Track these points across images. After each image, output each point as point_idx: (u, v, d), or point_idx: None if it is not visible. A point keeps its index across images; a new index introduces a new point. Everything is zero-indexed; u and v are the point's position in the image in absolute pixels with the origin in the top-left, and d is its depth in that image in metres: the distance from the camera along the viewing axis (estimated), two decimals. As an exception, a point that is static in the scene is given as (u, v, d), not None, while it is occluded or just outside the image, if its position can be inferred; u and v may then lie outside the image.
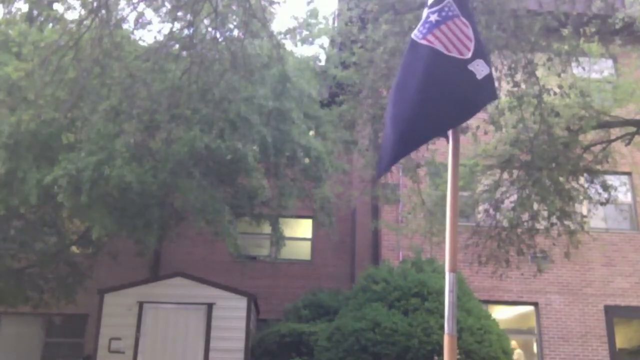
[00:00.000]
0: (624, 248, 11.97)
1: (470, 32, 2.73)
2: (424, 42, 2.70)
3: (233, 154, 8.33)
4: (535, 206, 8.09)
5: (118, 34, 6.98)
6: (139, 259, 11.38)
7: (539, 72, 6.79)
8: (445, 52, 2.67)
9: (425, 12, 2.80)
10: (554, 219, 7.93)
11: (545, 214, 8.07)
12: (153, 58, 6.78)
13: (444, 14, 2.74)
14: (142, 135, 7.03)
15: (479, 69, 2.68)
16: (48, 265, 10.53)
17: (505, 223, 8.46)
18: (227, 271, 13.06)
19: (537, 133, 7.08)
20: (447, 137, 2.75)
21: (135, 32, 8.21)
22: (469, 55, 2.69)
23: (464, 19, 2.74)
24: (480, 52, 2.72)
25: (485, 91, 2.71)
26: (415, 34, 2.77)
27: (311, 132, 10.03)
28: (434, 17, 2.74)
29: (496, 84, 6.03)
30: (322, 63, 10.43)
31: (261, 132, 8.46)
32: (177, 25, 6.82)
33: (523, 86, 6.63)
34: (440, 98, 2.62)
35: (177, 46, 7.18)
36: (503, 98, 6.99)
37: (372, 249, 12.28)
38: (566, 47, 6.64)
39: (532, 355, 11.52)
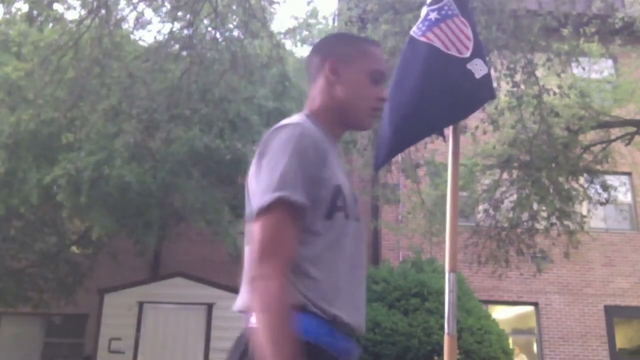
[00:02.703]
0: (624, 248, 11.96)
1: (469, 32, 2.71)
2: (422, 39, 2.69)
3: (233, 154, 8.33)
4: (535, 206, 8.10)
5: (118, 33, 6.98)
6: (139, 259, 11.37)
7: (539, 72, 6.79)
8: (444, 50, 2.65)
9: (425, 10, 2.78)
10: (553, 219, 7.93)
11: (545, 214, 8.07)
12: (153, 58, 6.79)
13: (443, 12, 2.72)
14: (142, 135, 7.03)
15: (478, 68, 2.66)
16: (48, 265, 10.52)
17: (504, 223, 8.46)
18: (227, 271, 13.04)
19: (536, 133, 7.08)
20: (444, 136, 2.73)
21: (135, 32, 8.22)
22: (468, 54, 2.67)
23: (463, 19, 2.73)
24: (479, 52, 2.71)
25: (483, 90, 2.70)
26: (414, 31, 2.75)
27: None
28: (433, 15, 2.72)
29: (495, 84, 6.04)
30: (322, 63, 10.39)
31: (261, 132, 8.45)
32: (177, 25, 6.83)
33: (522, 86, 6.63)
34: (438, 96, 2.60)
35: (177, 46, 7.18)
36: (502, 98, 6.99)
37: (372, 249, 12.28)
38: (566, 47, 6.64)
39: (532, 356, 11.53)
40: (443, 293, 2.71)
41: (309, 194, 1.37)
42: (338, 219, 1.43)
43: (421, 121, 2.61)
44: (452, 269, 2.47)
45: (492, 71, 2.91)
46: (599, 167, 8.21)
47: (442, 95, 2.60)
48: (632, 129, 8.33)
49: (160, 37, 7.40)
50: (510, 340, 9.20)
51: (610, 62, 10.97)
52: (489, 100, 3.10)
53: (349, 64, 1.58)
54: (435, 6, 2.73)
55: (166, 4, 6.85)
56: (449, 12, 2.72)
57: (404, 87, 2.64)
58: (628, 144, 8.49)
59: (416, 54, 2.68)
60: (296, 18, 9.47)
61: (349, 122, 1.59)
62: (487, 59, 2.87)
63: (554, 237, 8.21)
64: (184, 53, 7.16)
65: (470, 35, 2.70)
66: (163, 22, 7.33)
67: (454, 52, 2.65)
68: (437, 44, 2.66)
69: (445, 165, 2.72)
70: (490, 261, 8.47)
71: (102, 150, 7.70)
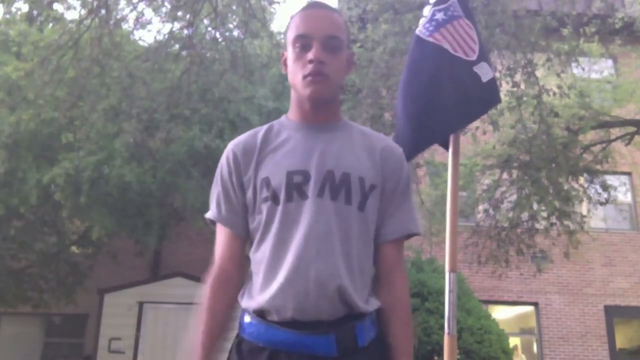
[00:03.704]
0: (624, 248, 11.96)
1: (474, 34, 2.65)
2: (430, 39, 2.62)
3: (233, 154, 8.32)
4: (535, 206, 8.10)
5: (118, 33, 6.98)
6: (139, 259, 11.37)
7: (539, 72, 6.79)
8: (452, 51, 2.60)
9: (429, 9, 2.70)
10: (553, 219, 7.93)
11: (545, 214, 8.08)
12: (153, 58, 6.79)
13: (449, 13, 2.65)
14: (142, 134, 7.03)
15: (484, 72, 2.60)
16: (48, 265, 10.52)
17: (504, 223, 8.46)
18: (227, 271, 13.02)
19: (536, 133, 7.09)
20: (447, 145, 2.63)
21: (135, 32, 8.22)
22: (474, 57, 2.61)
23: (467, 21, 2.67)
24: (484, 56, 2.65)
25: (489, 95, 2.64)
26: (420, 31, 2.67)
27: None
28: (440, 16, 2.65)
29: (496, 83, 6.02)
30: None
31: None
32: (177, 25, 6.83)
33: (522, 86, 6.63)
34: (447, 99, 2.54)
35: (177, 46, 7.18)
36: (502, 98, 6.99)
37: (372, 249, 12.26)
38: (566, 47, 6.64)
39: (532, 356, 11.52)
40: (443, 293, 2.70)
41: (230, 205, 1.57)
42: (265, 209, 1.48)
43: (430, 125, 2.54)
44: (452, 269, 2.46)
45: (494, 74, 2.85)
46: (598, 167, 8.21)
47: (450, 98, 2.54)
48: (632, 129, 8.33)
49: (160, 37, 7.41)
50: (516, 340, 9.21)
51: (610, 62, 10.97)
52: (494, 106, 3.05)
53: (287, 48, 1.57)
54: (442, 6, 2.66)
55: (166, 4, 6.85)
56: (455, 14, 2.65)
57: (413, 89, 2.58)
58: (628, 144, 8.50)
59: (425, 55, 2.61)
60: (296, 18, 9.44)
61: (300, 100, 1.56)
62: (490, 62, 2.82)
63: (554, 237, 8.21)
64: (184, 53, 7.16)
65: (476, 37, 2.65)
66: (163, 22, 7.33)
67: (461, 55, 2.59)
68: (445, 45, 2.60)
69: (445, 165, 2.69)
70: (490, 261, 8.47)
71: (102, 150, 7.70)
